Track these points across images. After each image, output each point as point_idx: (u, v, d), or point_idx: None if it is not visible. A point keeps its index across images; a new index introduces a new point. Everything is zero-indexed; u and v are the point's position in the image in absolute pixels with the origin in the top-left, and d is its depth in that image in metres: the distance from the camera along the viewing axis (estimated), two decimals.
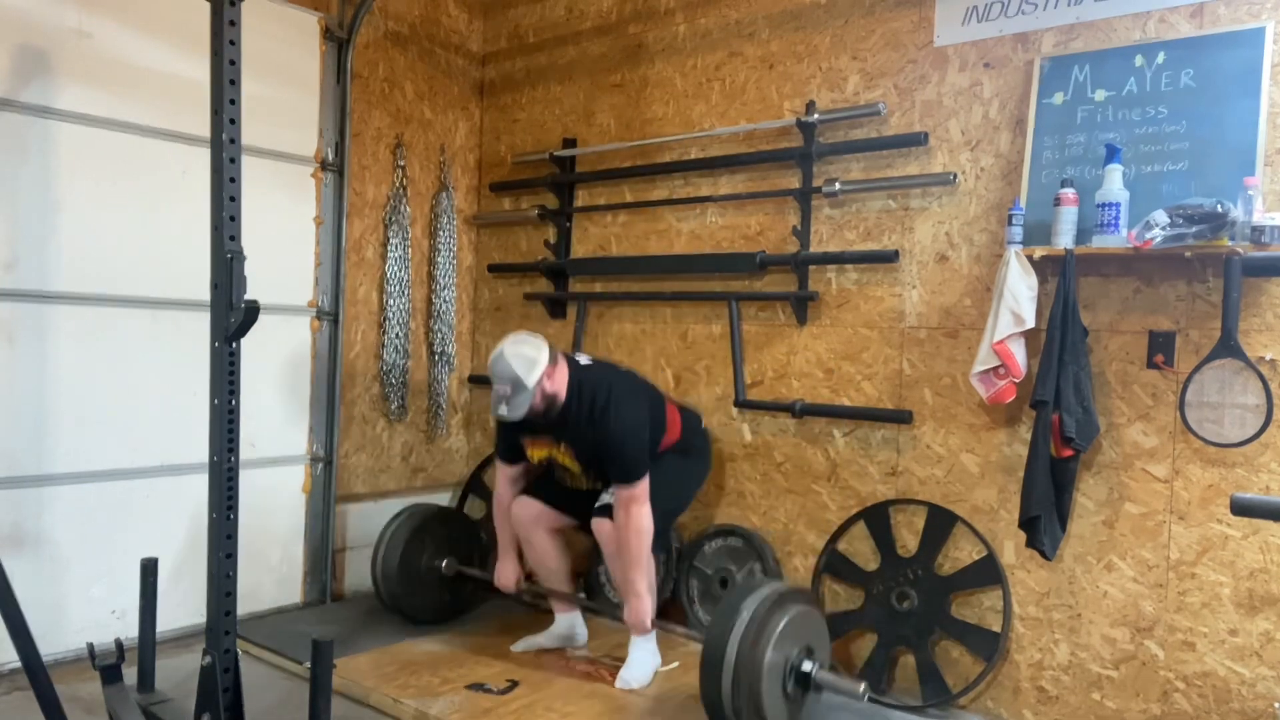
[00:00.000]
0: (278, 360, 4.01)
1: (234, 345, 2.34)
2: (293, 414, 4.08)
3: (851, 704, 3.18)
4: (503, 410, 3.14)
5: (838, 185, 3.50)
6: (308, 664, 2.25)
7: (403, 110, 4.50)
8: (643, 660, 3.30)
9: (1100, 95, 2.98)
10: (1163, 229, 2.65)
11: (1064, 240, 2.89)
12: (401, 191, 4.48)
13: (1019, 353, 2.97)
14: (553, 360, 3.18)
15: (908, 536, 3.40)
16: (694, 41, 4.04)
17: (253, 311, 2.29)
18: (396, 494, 4.47)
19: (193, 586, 3.57)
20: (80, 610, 3.41)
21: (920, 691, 3.25)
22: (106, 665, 2.60)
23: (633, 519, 3.17)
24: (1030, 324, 2.94)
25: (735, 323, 3.84)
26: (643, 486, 3.18)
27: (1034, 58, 3.13)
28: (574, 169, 4.45)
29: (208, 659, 2.34)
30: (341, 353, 4.22)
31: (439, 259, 4.64)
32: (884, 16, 3.49)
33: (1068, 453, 2.91)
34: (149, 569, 2.75)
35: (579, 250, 4.44)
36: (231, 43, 2.32)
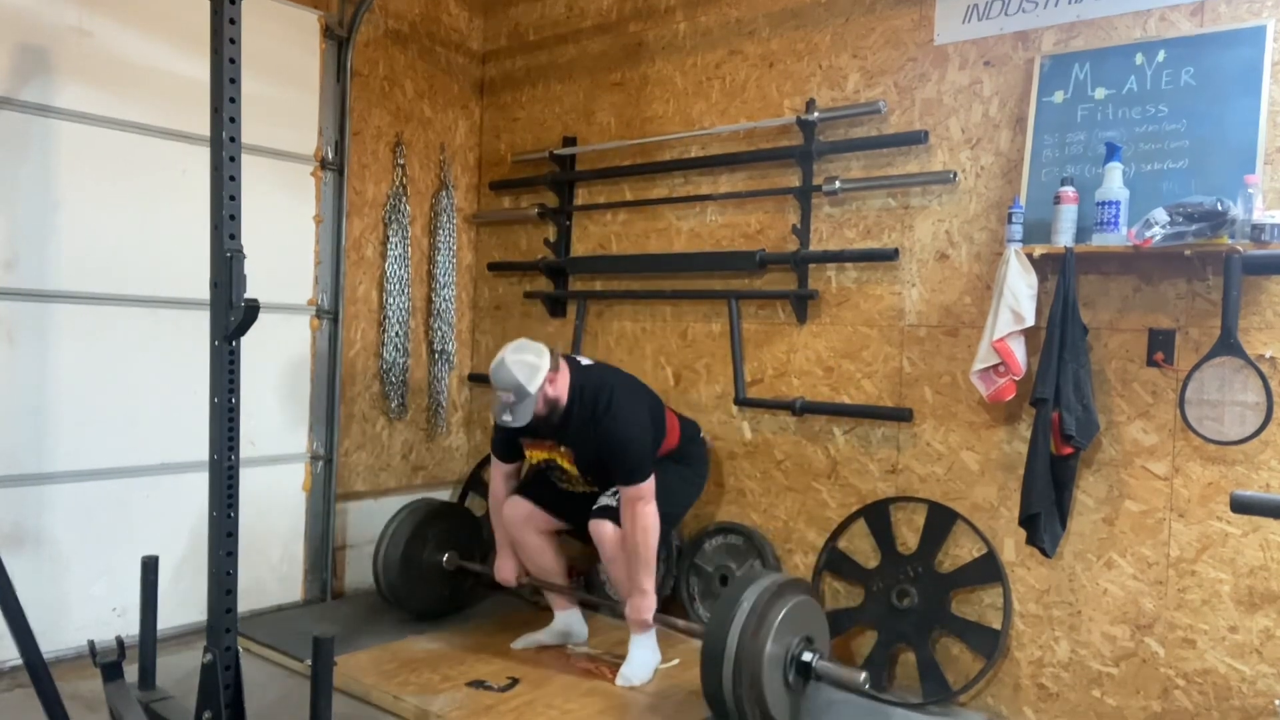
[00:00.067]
0: (278, 359, 4.01)
1: (234, 344, 2.33)
2: (293, 412, 4.08)
3: (852, 701, 3.19)
4: (506, 418, 3.13)
5: (838, 183, 3.50)
6: (308, 661, 2.25)
7: (403, 109, 4.49)
8: (643, 657, 3.31)
9: (1100, 93, 2.98)
10: (1163, 227, 2.65)
11: (1064, 238, 2.89)
12: (401, 190, 4.47)
13: (1019, 350, 2.98)
14: (554, 366, 3.17)
15: (908, 534, 3.40)
16: (694, 40, 4.04)
17: (253, 310, 2.29)
18: (396, 492, 4.47)
19: (193, 584, 3.57)
20: (81, 608, 3.42)
21: (920, 689, 3.25)
22: (107, 663, 2.60)
23: (639, 518, 3.16)
24: (1030, 322, 2.94)
25: (735, 321, 3.84)
26: (649, 485, 3.17)
27: (1034, 56, 3.13)
28: (574, 167, 4.45)
29: (208, 656, 2.34)
30: (341, 351, 4.22)
31: (439, 257, 4.64)
32: (884, 14, 3.49)
33: (1068, 450, 2.91)
34: (149, 567, 2.75)
35: (579, 249, 4.44)
36: (231, 41, 2.31)
